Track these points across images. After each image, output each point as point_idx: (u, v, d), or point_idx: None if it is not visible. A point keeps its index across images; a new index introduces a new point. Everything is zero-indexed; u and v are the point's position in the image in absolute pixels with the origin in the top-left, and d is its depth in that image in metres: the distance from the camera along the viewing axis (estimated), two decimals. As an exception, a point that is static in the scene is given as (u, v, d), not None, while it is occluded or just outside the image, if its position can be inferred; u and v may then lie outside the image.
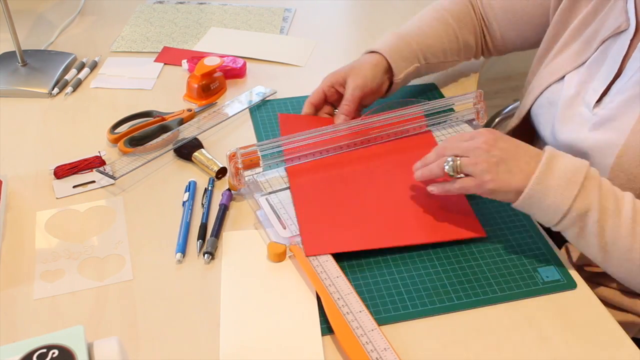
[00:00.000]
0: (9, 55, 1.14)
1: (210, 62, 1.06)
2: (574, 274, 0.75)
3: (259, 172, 0.86)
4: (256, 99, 1.06)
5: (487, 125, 1.25)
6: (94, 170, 0.89)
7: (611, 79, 0.82)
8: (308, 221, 0.79)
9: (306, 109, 0.98)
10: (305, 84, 1.12)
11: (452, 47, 1.02)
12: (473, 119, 0.98)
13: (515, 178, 0.71)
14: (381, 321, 0.69)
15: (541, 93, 0.94)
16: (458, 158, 0.74)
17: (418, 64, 0.99)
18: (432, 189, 0.77)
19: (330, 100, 0.98)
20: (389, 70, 0.97)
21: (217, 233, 0.79)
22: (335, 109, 0.99)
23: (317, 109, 0.98)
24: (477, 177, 0.73)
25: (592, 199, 0.70)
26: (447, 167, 0.74)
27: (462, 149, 0.75)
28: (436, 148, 0.78)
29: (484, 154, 0.72)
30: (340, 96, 0.96)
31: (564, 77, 0.90)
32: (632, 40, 0.81)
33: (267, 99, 1.06)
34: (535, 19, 0.98)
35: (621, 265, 0.71)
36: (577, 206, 0.70)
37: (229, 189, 0.85)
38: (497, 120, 1.26)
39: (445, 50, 1.02)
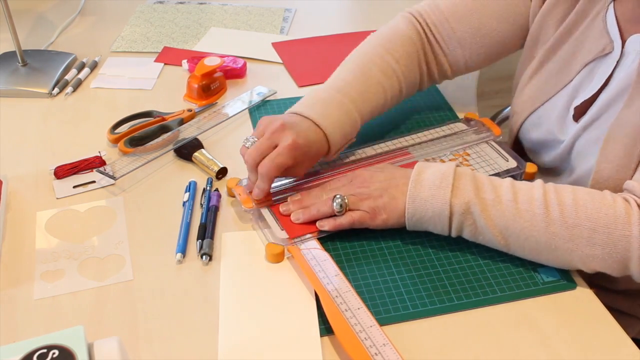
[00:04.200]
0: (9, 55, 1.14)
1: (211, 62, 1.06)
2: (573, 274, 0.75)
3: None
4: (256, 99, 1.06)
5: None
6: (94, 170, 0.89)
7: (594, 92, 0.82)
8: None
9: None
10: (305, 84, 1.12)
11: (393, 99, 0.92)
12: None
13: (398, 202, 0.76)
14: (381, 321, 0.68)
15: (526, 118, 0.93)
16: (345, 197, 0.77)
17: (354, 138, 0.88)
18: (323, 224, 0.78)
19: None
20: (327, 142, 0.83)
21: (211, 234, 0.79)
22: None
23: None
24: (369, 212, 0.76)
25: (468, 193, 0.72)
26: (336, 206, 0.77)
27: (344, 191, 0.78)
28: (311, 192, 0.81)
29: (367, 191, 0.77)
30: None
31: (548, 100, 0.89)
32: (618, 61, 0.80)
33: (267, 99, 1.06)
34: (507, 39, 0.93)
35: (523, 246, 0.73)
36: (457, 206, 0.72)
37: (216, 190, 0.85)
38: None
39: (386, 105, 0.91)
